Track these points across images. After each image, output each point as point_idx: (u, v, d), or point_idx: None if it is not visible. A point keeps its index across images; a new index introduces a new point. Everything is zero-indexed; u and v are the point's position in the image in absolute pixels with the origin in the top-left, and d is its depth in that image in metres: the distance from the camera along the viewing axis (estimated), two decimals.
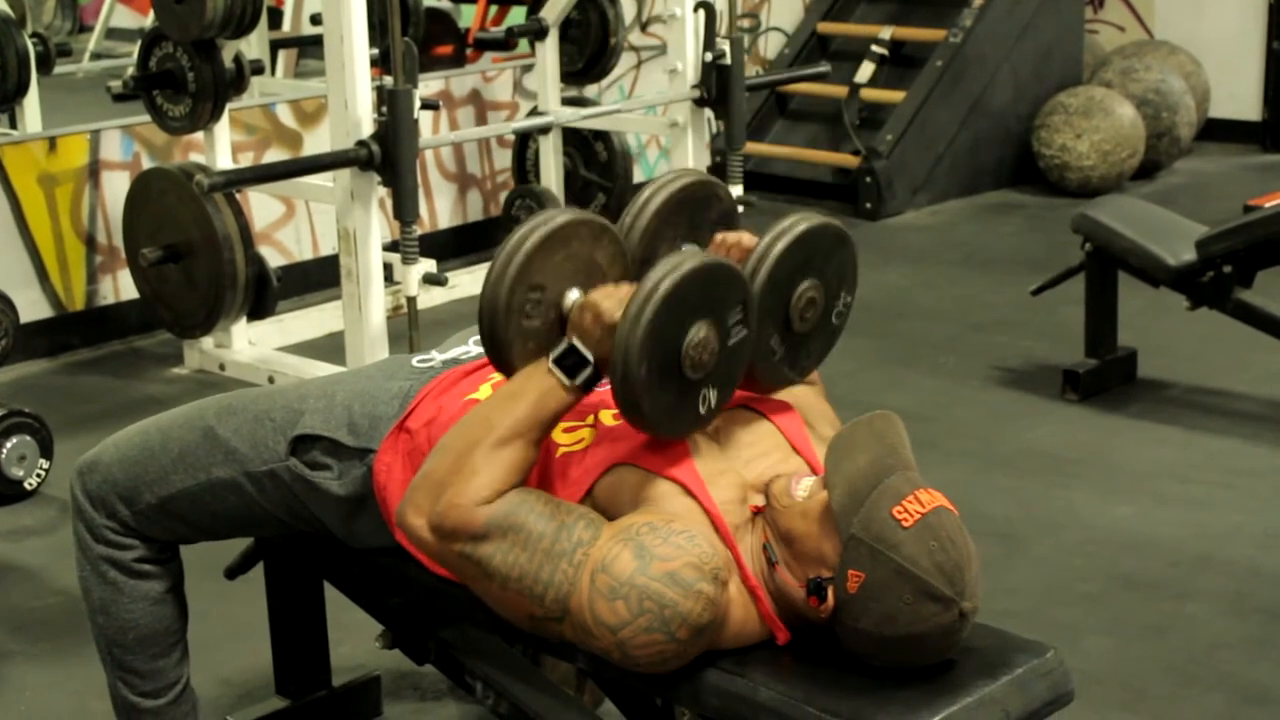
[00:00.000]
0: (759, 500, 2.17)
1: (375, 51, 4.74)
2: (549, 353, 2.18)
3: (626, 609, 2.05)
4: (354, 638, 3.05)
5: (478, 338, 2.59)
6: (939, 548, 2.00)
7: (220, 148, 4.89)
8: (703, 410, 2.19)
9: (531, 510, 2.12)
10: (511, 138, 6.43)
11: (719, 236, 2.36)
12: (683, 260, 2.12)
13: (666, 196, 2.35)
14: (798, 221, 2.29)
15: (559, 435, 2.25)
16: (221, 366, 5.10)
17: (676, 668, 2.11)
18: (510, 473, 2.14)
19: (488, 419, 2.16)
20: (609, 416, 2.26)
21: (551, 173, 6.07)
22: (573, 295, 2.20)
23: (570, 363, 2.16)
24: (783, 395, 2.39)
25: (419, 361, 2.51)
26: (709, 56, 5.53)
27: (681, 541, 2.06)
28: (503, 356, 2.21)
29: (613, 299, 2.14)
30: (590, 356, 2.15)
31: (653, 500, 2.14)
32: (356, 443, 2.38)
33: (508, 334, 2.18)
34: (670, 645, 2.06)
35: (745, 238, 2.33)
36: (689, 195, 2.37)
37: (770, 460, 2.24)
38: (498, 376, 2.40)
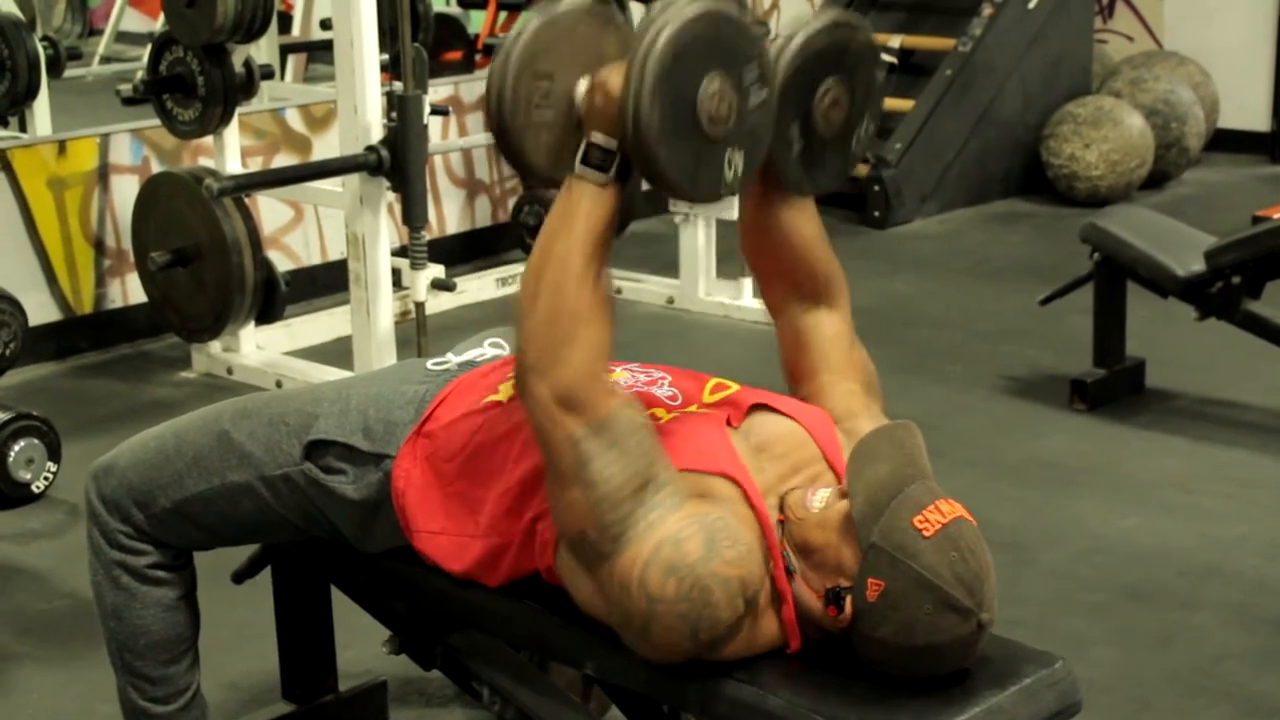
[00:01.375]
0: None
1: (385, 57, 4.75)
2: (571, 153, 2.11)
3: (676, 588, 2.02)
4: (361, 642, 3.05)
5: (493, 340, 2.59)
6: (959, 558, 2.00)
7: (229, 152, 4.90)
8: (728, 174, 2.12)
9: (644, 441, 2.08)
10: None
11: None
12: (686, 5, 2.05)
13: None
14: (831, 14, 2.27)
15: None
16: (229, 370, 5.10)
17: (671, 662, 2.10)
18: (608, 317, 2.09)
19: (557, 255, 2.08)
20: (662, 413, 2.24)
21: None
22: (583, 85, 2.12)
23: (597, 157, 2.09)
24: (818, 320, 2.38)
25: (434, 365, 2.50)
26: None
27: (744, 552, 2.05)
28: (516, 148, 2.13)
29: (621, 73, 2.05)
30: (614, 144, 2.08)
31: (719, 499, 2.11)
32: (372, 448, 2.37)
33: (517, 124, 2.10)
34: (688, 641, 2.05)
35: None
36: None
37: (804, 475, 2.21)
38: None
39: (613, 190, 2.10)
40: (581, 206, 2.09)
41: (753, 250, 2.44)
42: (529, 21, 2.11)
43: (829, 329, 2.40)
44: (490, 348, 2.54)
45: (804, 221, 2.37)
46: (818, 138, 2.28)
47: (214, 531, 2.51)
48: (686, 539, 2.04)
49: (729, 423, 2.24)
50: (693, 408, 2.28)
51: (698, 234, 5.74)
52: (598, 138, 2.09)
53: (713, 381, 2.35)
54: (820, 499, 2.12)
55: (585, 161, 2.09)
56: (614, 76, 2.06)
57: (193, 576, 2.59)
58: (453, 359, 2.51)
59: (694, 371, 2.39)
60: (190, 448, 2.48)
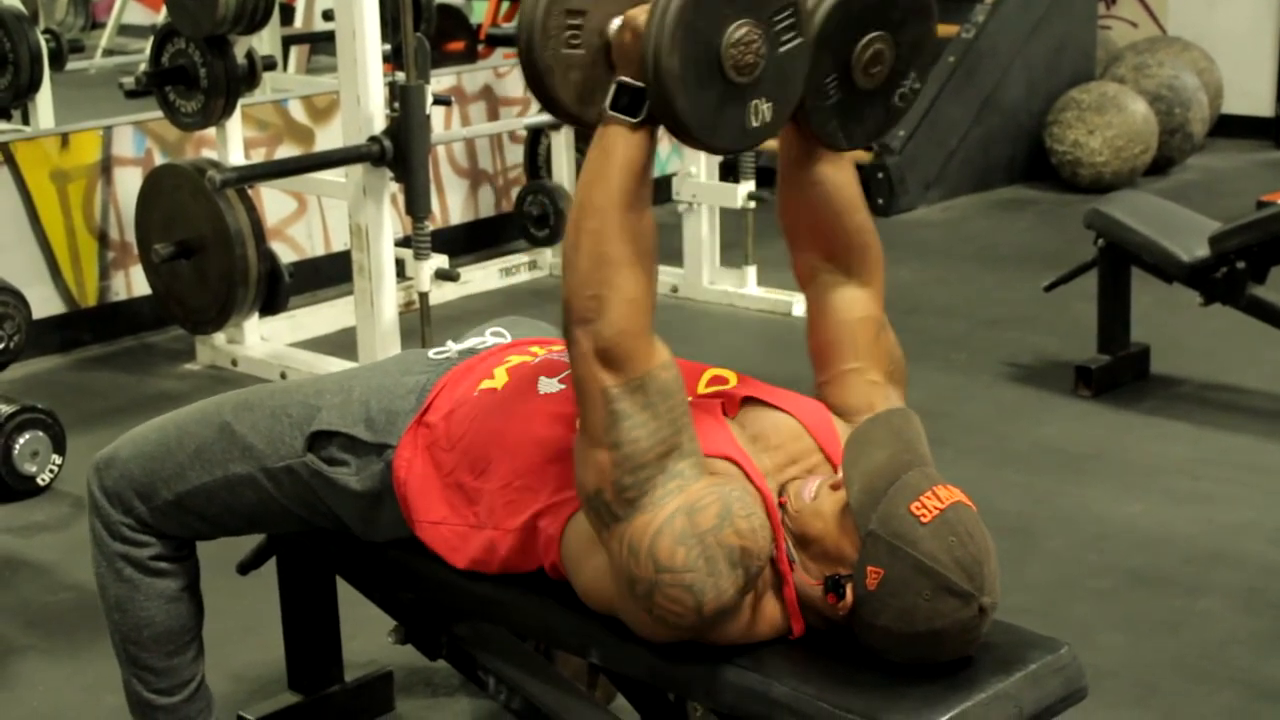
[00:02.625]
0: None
1: (387, 47, 4.74)
2: (600, 94, 2.07)
3: (684, 557, 2.02)
4: (366, 633, 3.05)
5: (495, 329, 2.59)
6: (958, 543, 1.99)
7: (232, 144, 4.90)
8: (754, 122, 2.06)
9: (676, 407, 2.07)
10: (524, 133, 6.43)
11: None
12: None
13: None
14: None
15: None
16: (234, 362, 5.10)
17: (667, 640, 2.10)
18: (650, 264, 2.08)
19: (595, 204, 2.06)
20: None
21: (564, 168, 6.07)
22: (616, 23, 2.08)
23: (626, 100, 2.06)
24: (848, 300, 2.33)
25: (435, 354, 2.50)
26: None
27: (756, 525, 2.04)
28: (543, 85, 2.10)
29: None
30: (642, 84, 2.04)
31: (728, 475, 2.11)
32: (374, 438, 2.37)
33: (546, 60, 2.07)
34: (692, 614, 2.04)
35: None
36: None
37: (798, 466, 2.21)
38: (513, 361, 2.39)
39: (645, 132, 2.06)
40: (615, 152, 2.06)
41: (787, 208, 2.36)
42: None
43: (859, 310, 2.34)
44: (492, 337, 2.53)
45: (842, 181, 2.31)
46: (856, 91, 2.20)
47: (217, 522, 2.52)
48: (703, 509, 2.03)
49: (725, 412, 2.24)
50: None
51: (701, 223, 5.74)
52: (627, 79, 2.05)
53: (710, 373, 2.34)
54: (815, 489, 2.12)
55: (615, 105, 2.06)
56: (644, 15, 2.02)
57: (196, 568, 2.60)
58: (453, 347, 2.51)
59: (691, 362, 2.39)
60: (192, 440, 2.48)
